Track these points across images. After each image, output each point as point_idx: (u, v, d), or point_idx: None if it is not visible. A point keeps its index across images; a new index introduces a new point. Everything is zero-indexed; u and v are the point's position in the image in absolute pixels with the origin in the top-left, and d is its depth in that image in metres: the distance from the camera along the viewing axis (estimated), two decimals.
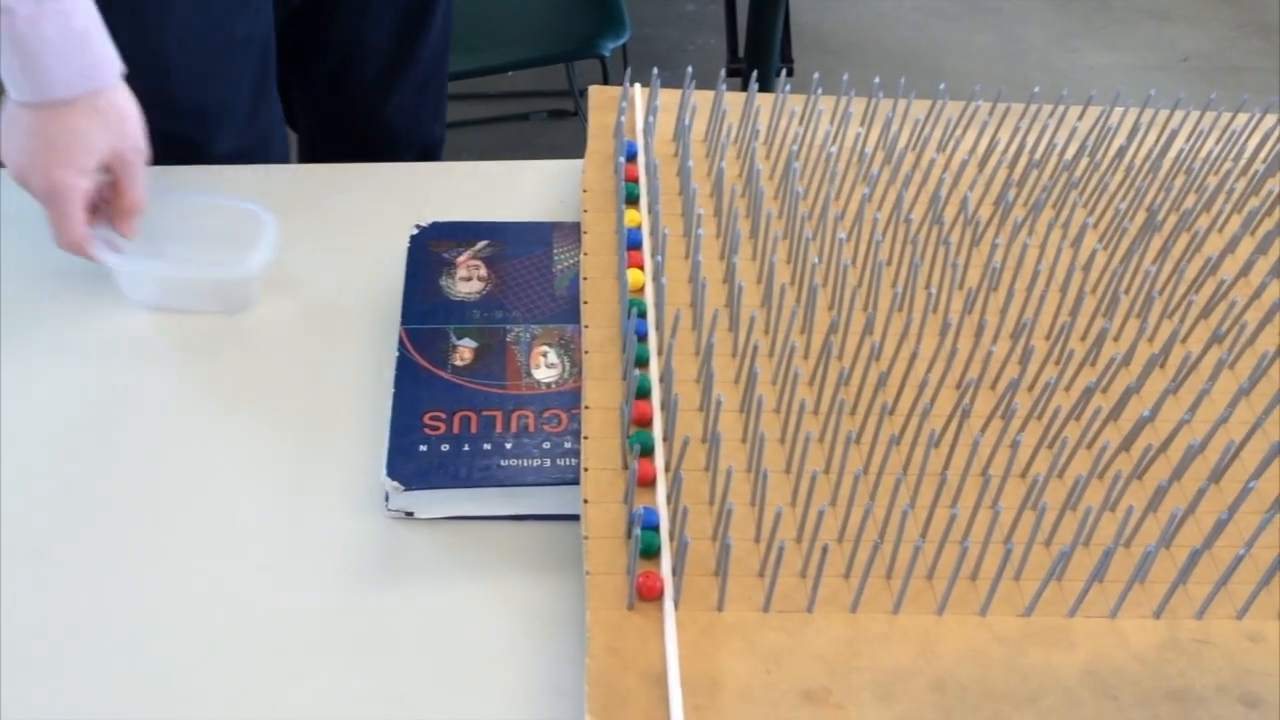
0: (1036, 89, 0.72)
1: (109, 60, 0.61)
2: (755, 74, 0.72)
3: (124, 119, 0.62)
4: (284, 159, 0.84)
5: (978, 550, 0.52)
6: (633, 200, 0.68)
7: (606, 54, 1.41)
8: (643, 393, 0.57)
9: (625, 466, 0.55)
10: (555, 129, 1.89)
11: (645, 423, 0.56)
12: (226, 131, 0.79)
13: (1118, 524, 0.52)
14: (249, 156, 0.78)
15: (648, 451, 0.55)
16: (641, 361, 0.59)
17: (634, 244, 0.65)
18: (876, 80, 0.72)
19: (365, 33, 0.86)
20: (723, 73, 0.72)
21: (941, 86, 0.72)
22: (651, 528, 0.52)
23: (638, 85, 0.76)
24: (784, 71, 0.72)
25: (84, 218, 0.62)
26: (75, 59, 0.58)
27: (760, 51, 1.16)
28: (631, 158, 0.70)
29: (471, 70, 1.45)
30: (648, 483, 0.54)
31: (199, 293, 0.65)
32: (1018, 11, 2.38)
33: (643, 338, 0.60)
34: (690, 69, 0.72)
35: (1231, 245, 0.66)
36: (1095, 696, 0.48)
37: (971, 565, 0.52)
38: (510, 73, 1.85)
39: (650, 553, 0.51)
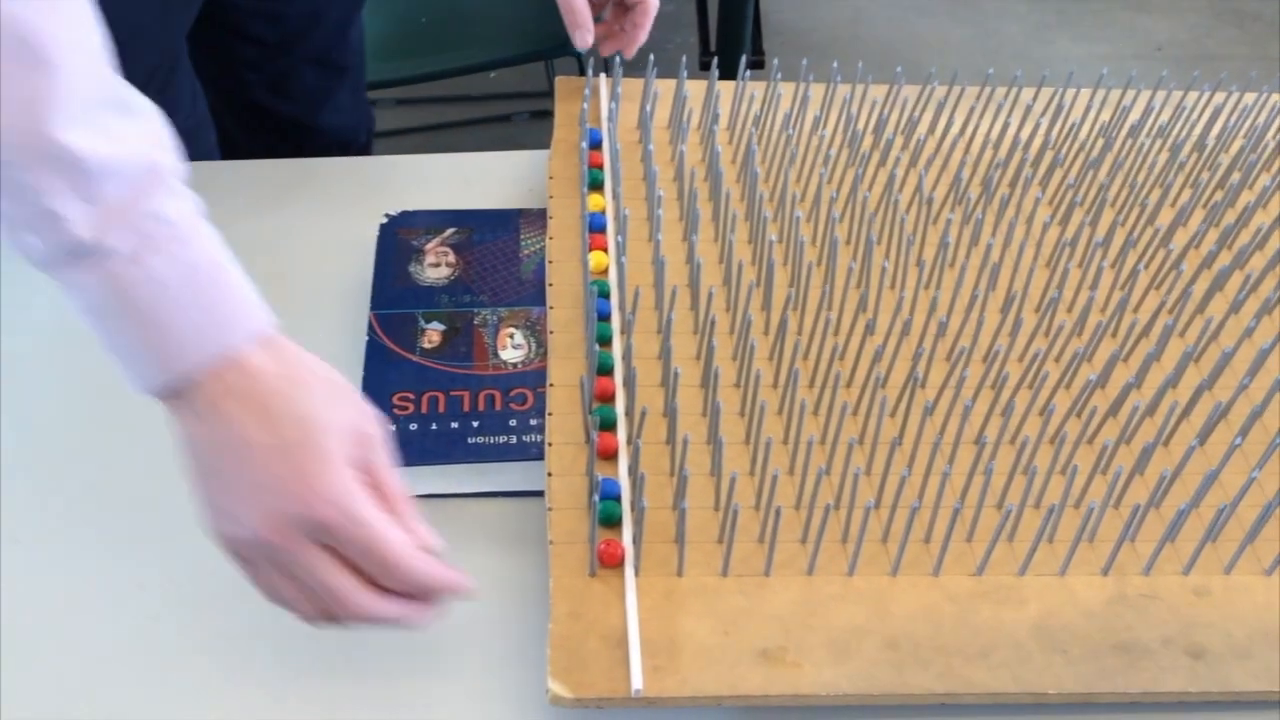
0: (990, 70, 0.74)
1: (254, 300, 0.44)
2: (716, 60, 0.73)
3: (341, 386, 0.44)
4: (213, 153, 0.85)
5: (929, 513, 0.53)
6: (597, 186, 0.69)
7: (582, 53, 1.42)
8: (605, 370, 0.59)
9: (588, 441, 0.56)
10: (538, 129, 1.91)
11: (607, 398, 0.58)
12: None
13: (1065, 485, 0.54)
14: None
15: (609, 425, 0.56)
16: (604, 340, 0.60)
17: (598, 227, 0.66)
18: (835, 65, 0.74)
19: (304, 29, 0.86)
20: (684, 59, 0.73)
21: (898, 69, 0.74)
22: (612, 498, 0.53)
23: (603, 75, 0.77)
24: (744, 60, 0.73)
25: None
26: (210, 301, 0.41)
27: (730, 45, 1.17)
28: (596, 145, 0.72)
29: (448, 70, 1.47)
30: (609, 455, 0.55)
31: None
32: (995, 6, 2.40)
33: (606, 317, 0.61)
34: (652, 56, 0.74)
35: (1182, 217, 0.67)
36: (1045, 650, 0.50)
37: (924, 528, 0.53)
38: (492, 74, 1.87)
39: (611, 521, 0.53)
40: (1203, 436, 0.57)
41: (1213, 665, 0.50)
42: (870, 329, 0.61)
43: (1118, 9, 2.40)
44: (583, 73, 1.63)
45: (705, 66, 1.64)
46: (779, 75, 0.73)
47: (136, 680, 0.51)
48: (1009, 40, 2.30)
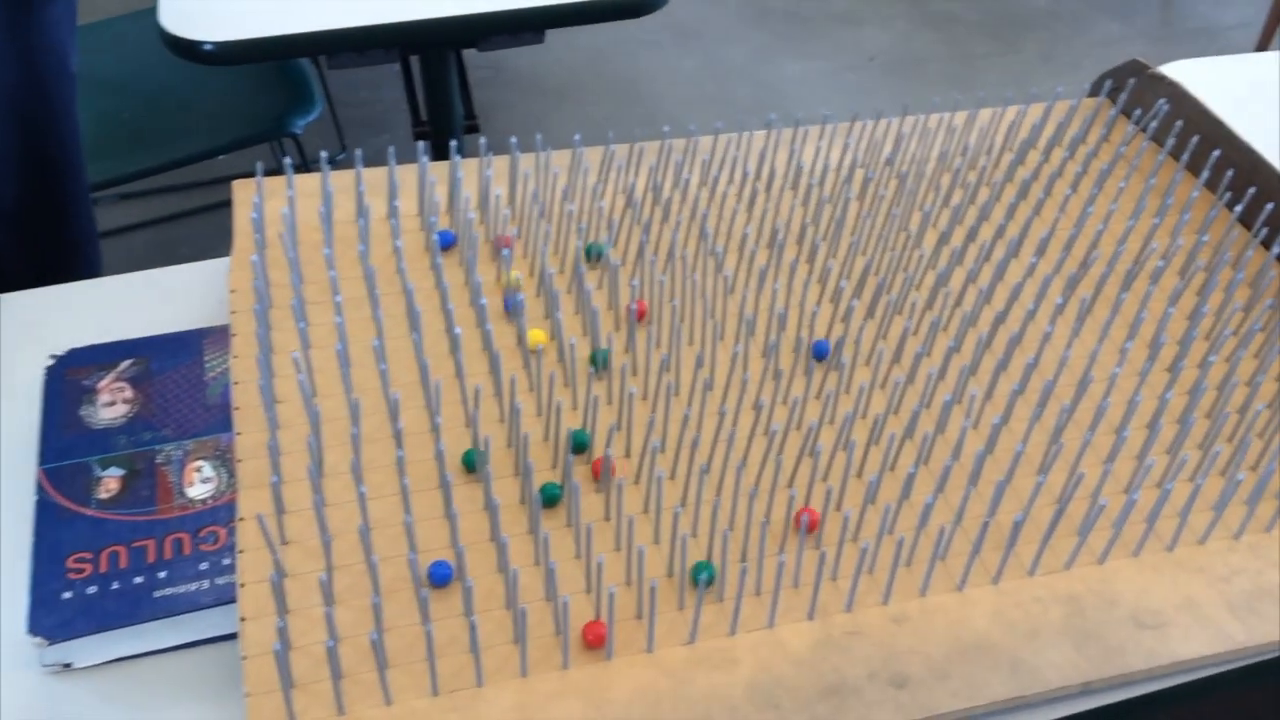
0: (720, 124, 0.75)
1: None
2: (391, 149, 0.72)
3: None
4: None
5: (634, 590, 0.53)
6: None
7: (299, 132, 1.38)
8: None
9: (276, 581, 0.53)
10: None
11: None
12: None
13: (760, 536, 0.55)
14: None
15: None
16: None
17: None
18: (539, 136, 0.74)
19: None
20: (358, 153, 0.71)
21: (610, 134, 0.74)
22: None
23: (266, 176, 0.74)
24: (450, 138, 0.72)
25: None
26: None
27: (440, 113, 1.17)
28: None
29: (164, 164, 1.40)
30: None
31: None
32: (718, 33, 2.50)
33: None
34: (324, 153, 0.72)
35: (870, 265, 0.70)
36: (759, 710, 0.50)
37: (633, 604, 0.53)
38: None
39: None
40: (886, 467, 0.59)
41: (915, 692, 0.51)
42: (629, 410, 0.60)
43: (832, 26, 2.54)
44: (302, 154, 1.57)
45: (420, 136, 1.63)
46: (489, 151, 0.72)
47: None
48: (735, 65, 2.39)
